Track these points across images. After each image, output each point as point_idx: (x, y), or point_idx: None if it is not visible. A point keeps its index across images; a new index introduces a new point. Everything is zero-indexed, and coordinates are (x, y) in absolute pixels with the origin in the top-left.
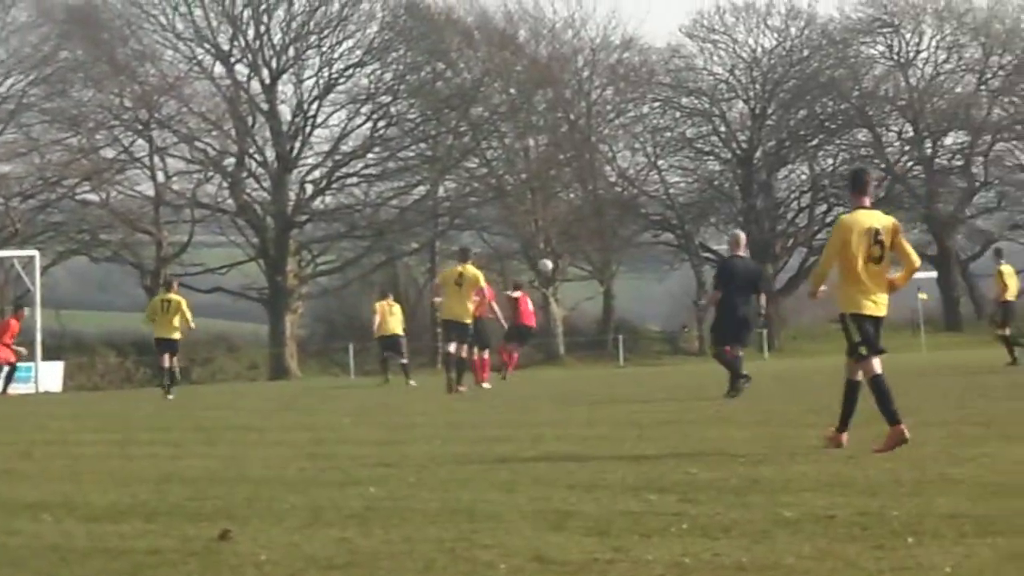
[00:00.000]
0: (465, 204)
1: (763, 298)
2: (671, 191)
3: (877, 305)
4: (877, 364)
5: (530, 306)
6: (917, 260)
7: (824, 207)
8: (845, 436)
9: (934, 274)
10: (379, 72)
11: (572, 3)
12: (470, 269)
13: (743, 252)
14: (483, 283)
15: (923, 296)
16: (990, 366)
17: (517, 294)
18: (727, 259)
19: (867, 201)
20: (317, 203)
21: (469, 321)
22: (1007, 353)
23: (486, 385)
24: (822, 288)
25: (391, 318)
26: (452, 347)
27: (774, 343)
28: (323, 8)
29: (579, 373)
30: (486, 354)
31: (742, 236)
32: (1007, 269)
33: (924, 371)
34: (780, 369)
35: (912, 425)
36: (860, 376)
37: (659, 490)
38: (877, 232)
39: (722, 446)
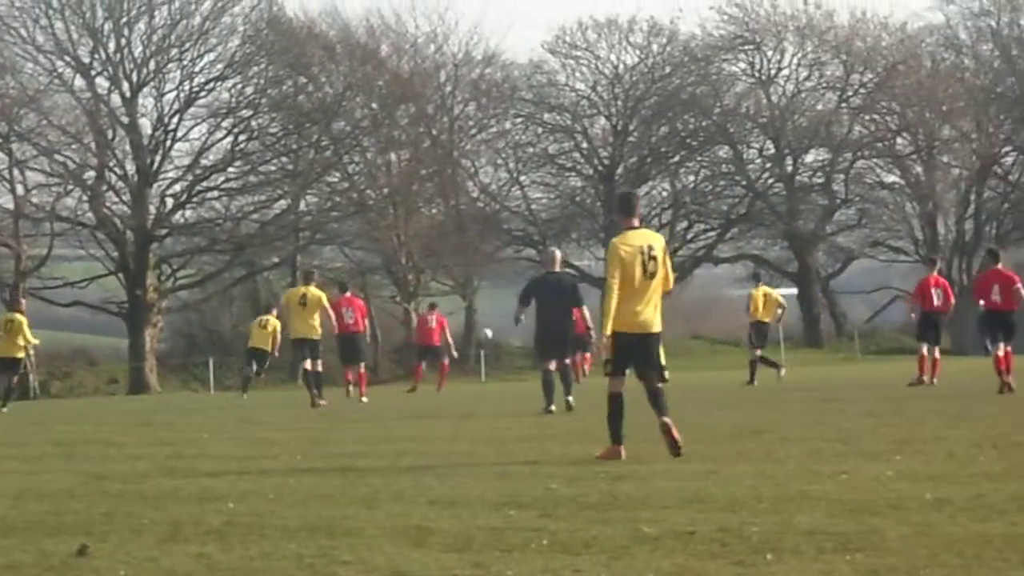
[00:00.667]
0: (326, 219)
1: (585, 312)
2: (533, 207)
3: (648, 322)
4: (622, 384)
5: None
6: (671, 284)
7: (686, 223)
8: (623, 448)
9: (795, 291)
10: (240, 86)
11: (434, 18)
12: (313, 290)
13: (558, 268)
14: (326, 303)
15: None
16: (853, 382)
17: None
18: (537, 276)
19: (636, 222)
20: (177, 217)
21: (317, 337)
22: (749, 373)
23: (365, 399)
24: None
25: (260, 332)
26: (307, 364)
27: None
28: (184, 22)
29: (440, 388)
30: (362, 368)
31: (557, 253)
32: (758, 292)
33: (785, 387)
34: (637, 385)
35: (772, 441)
36: (622, 389)
37: (519, 506)
38: (650, 248)
39: (583, 462)
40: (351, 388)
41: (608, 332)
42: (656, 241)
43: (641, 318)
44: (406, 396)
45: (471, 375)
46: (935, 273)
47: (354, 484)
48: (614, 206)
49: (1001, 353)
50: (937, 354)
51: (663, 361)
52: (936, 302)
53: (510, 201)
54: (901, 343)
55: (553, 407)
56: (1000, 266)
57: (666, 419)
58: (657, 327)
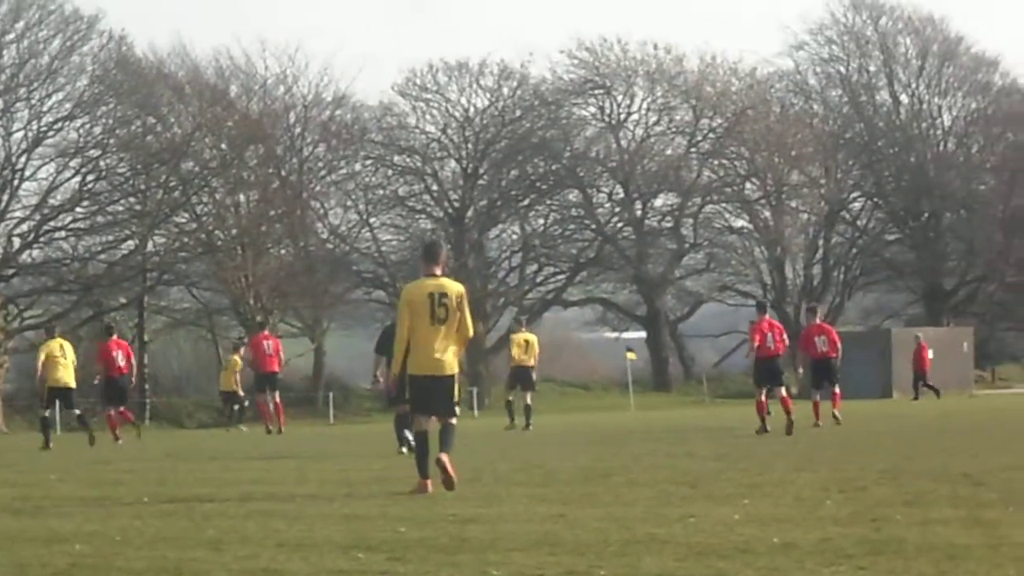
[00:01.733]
0: (174, 259)
1: None
2: (383, 248)
3: (439, 364)
4: (426, 422)
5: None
6: (470, 331)
7: (535, 267)
8: (429, 482)
9: (643, 334)
10: (89, 125)
11: (284, 59)
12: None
13: None
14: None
15: (631, 356)
16: (701, 426)
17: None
18: (391, 324)
19: (437, 270)
20: (24, 256)
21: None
22: (508, 417)
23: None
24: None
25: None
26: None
27: (484, 401)
28: (33, 60)
29: (288, 430)
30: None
31: None
32: (519, 337)
33: (633, 430)
34: (489, 427)
35: (621, 484)
36: (426, 427)
37: (368, 548)
38: (442, 295)
39: (431, 504)
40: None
41: (395, 372)
42: (451, 288)
43: (432, 360)
44: (254, 438)
45: (320, 417)
46: (817, 320)
47: (200, 526)
48: (420, 253)
49: (825, 397)
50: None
51: (456, 399)
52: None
53: (360, 243)
54: (749, 387)
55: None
56: (818, 320)
57: (443, 456)
58: (450, 369)
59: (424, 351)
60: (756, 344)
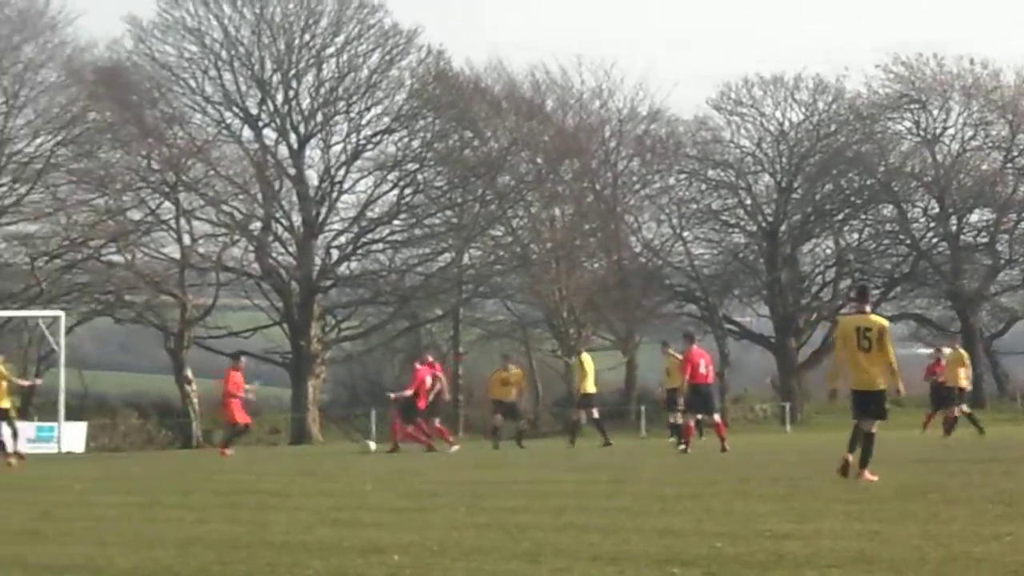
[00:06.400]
0: (490, 272)
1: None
2: (696, 263)
3: (870, 381)
4: (866, 424)
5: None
6: (890, 358)
7: (848, 282)
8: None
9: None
10: (407, 139)
11: (600, 74)
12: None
13: None
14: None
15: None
16: (1016, 443)
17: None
18: None
19: (866, 307)
20: (342, 268)
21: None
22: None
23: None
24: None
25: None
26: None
27: (796, 416)
28: (352, 74)
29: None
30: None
31: None
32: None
33: (947, 446)
34: (803, 442)
35: (937, 501)
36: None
37: (684, 563)
38: (867, 329)
39: (747, 520)
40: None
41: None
42: (874, 323)
43: (864, 378)
44: (565, 451)
45: (631, 430)
46: None
47: (516, 538)
48: (852, 294)
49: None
50: None
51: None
52: None
53: (673, 257)
54: None
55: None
56: None
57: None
58: (878, 385)
59: (857, 371)
60: None
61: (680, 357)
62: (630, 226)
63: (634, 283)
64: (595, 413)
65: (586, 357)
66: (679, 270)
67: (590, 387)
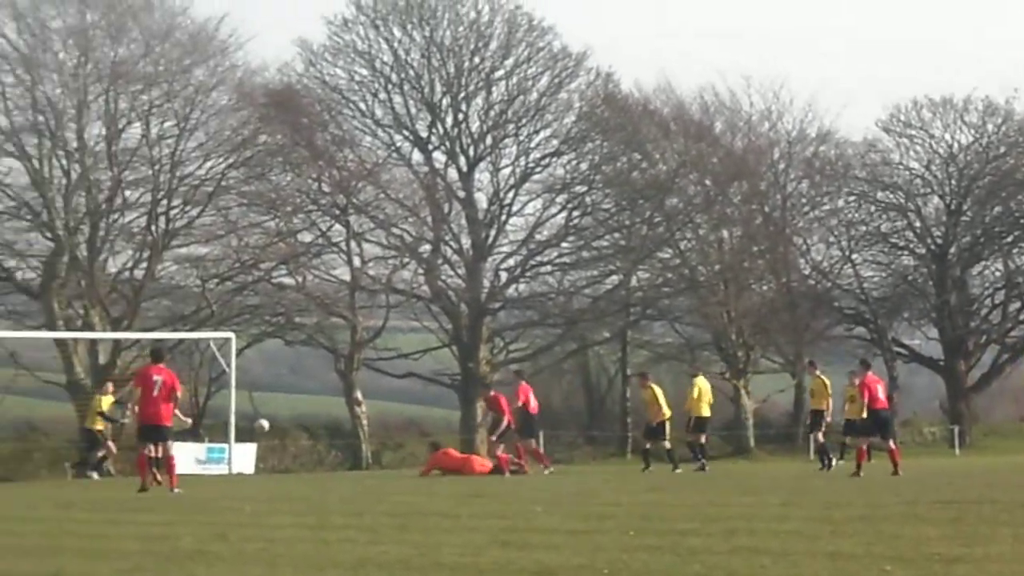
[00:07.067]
0: (657, 294)
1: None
2: (865, 285)
3: None
4: None
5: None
6: None
7: (1018, 304)
8: None
9: None
10: (575, 162)
11: (769, 96)
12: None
13: None
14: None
15: None
16: None
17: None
18: None
19: None
20: (511, 291)
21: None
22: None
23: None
24: None
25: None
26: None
27: (966, 440)
28: (521, 97)
29: (769, 466)
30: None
31: None
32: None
33: None
34: (971, 466)
35: None
36: None
37: None
38: None
39: (916, 543)
40: None
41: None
42: None
43: None
44: (735, 474)
45: (800, 453)
46: None
47: (686, 561)
48: None
49: None
50: None
51: None
52: None
53: (841, 279)
54: None
55: None
56: None
57: None
58: None
59: None
60: None
61: (819, 378)
62: (799, 248)
63: (803, 305)
64: (702, 438)
65: (702, 380)
66: (848, 292)
67: (705, 410)
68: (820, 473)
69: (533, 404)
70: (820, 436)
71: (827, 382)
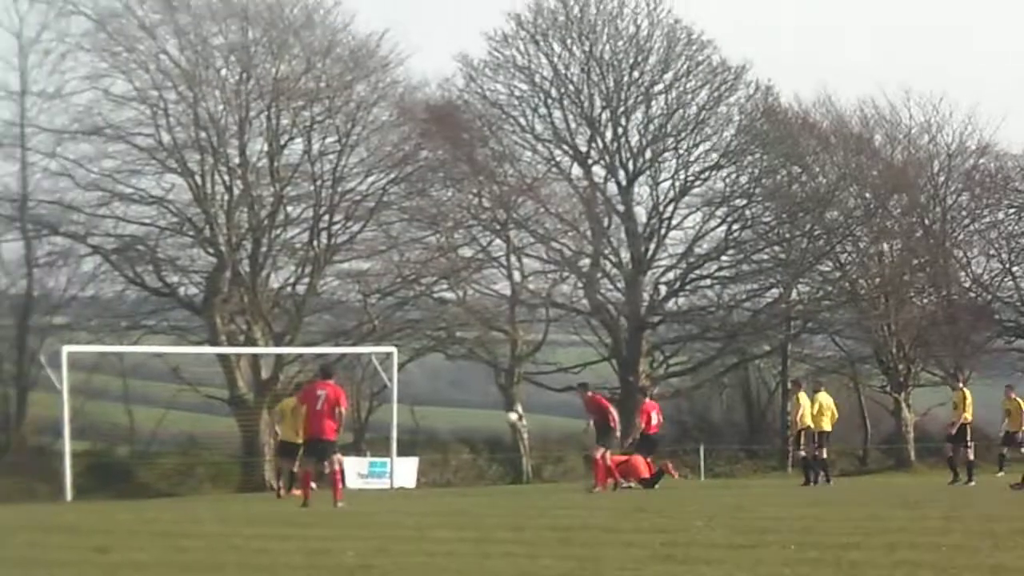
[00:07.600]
0: (818, 308)
1: None
2: None
3: None
4: None
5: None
6: None
7: None
8: None
9: None
10: (735, 175)
11: (929, 108)
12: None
13: None
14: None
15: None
16: None
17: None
18: None
19: None
20: (670, 304)
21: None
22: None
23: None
24: None
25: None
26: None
27: None
28: (681, 111)
29: (930, 480)
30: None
31: None
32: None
33: None
34: None
35: None
36: None
37: None
38: None
39: None
40: None
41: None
42: None
43: None
44: (896, 487)
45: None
46: None
47: (848, 575)
48: None
49: None
50: None
51: None
52: None
53: (1002, 291)
54: None
55: None
56: None
57: None
58: None
59: None
60: None
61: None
62: (959, 261)
63: (963, 318)
64: (811, 451)
65: (824, 395)
66: (1008, 305)
67: (826, 424)
68: (974, 485)
69: (655, 422)
70: (971, 452)
71: (967, 393)
